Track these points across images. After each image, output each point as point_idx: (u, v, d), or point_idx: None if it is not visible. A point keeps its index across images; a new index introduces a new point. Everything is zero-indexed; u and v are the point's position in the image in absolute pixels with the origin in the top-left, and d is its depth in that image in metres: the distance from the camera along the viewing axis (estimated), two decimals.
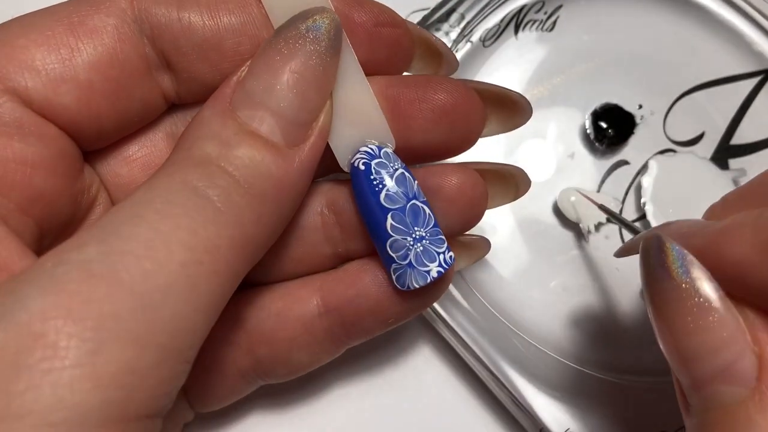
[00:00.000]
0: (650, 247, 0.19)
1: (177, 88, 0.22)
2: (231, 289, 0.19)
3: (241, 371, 0.23)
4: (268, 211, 0.19)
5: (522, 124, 0.24)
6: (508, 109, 0.23)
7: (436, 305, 0.28)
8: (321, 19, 0.20)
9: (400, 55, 0.22)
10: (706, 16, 0.31)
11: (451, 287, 0.28)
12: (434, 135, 0.22)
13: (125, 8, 0.20)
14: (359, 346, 0.24)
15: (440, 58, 0.23)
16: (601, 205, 0.28)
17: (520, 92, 0.23)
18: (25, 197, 0.19)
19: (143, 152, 0.23)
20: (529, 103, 0.23)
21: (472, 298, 0.28)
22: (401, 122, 0.22)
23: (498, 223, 0.30)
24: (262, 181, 0.19)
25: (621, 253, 0.24)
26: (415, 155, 0.22)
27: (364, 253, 0.23)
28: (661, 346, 0.19)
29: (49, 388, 0.15)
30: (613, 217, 0.27)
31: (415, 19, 0.31)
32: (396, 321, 0.23)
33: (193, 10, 0.20)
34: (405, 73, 0.23)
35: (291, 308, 0.23)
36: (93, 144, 0.21)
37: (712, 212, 0.21)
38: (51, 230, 0.21)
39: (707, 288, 0.18)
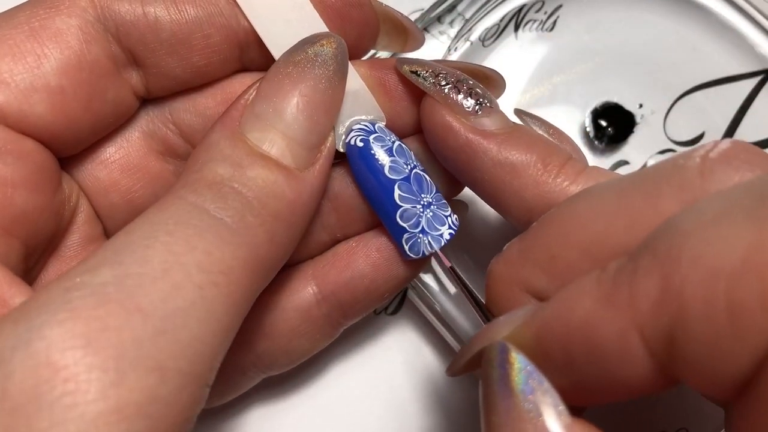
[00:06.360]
0: (493, 357, 0.17)
1: (146, 83, 0.21)
2: (246, 310, 0.18)
3: (242, 368, 0.23)
4: (280, 232, 0.19)
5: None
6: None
7: (432, 300, 0.28)
8: (328, 44, 0.20)
9: (368, 33, 0.23)
10: (706, 15, 0.31)
11: (449, 284, 0.28)
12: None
13: (86, 7, 0.20)
14: (353, 334, 0.25)
15: (406, 33, 0.24)
16: (451, 267, 0.23)
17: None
18: (8, 218, 0.19)
19: (121, 153, 0.22)
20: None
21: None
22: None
23: (498, 222, 0.29)
24: (276, 202, 0.19)
25: (454, 369, 0.20)
26: None
27: None
28: None
29: (73, 424, 0.14)
30: (465, 292, 0.23)
31: (414, 18, 0.31)
32: (390, 294, 0.23)
33: (158, 4, 0.20)
34: (371, 51, 0.24)
35: (287, 300, 0.23)
36: (70, 150, 0.21)
37: (498, 276, 0.20)
38: (36, 247, 0.20)
39: (551, 416, 0.15)
